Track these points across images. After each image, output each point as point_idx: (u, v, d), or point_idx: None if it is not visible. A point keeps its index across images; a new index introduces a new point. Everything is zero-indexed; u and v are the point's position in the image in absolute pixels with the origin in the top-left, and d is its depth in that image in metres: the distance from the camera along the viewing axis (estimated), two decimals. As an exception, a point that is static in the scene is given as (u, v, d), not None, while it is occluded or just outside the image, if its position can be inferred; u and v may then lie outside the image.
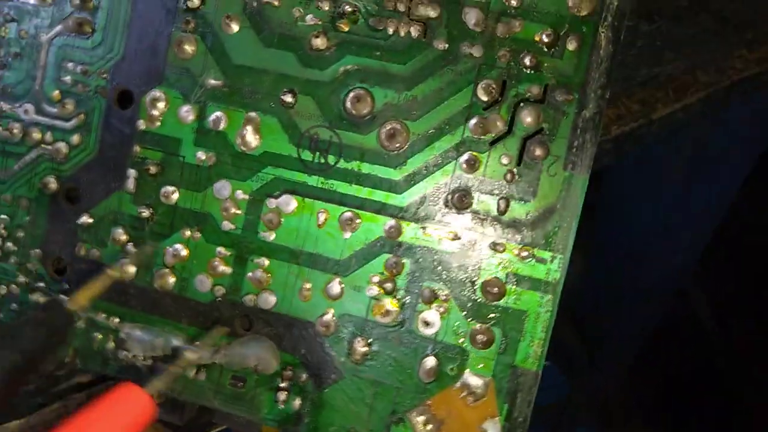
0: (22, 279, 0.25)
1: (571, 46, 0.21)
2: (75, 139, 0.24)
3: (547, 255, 0.21)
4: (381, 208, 0.22)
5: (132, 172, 0.24)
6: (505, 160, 0.21)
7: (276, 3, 0.22)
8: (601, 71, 0.21)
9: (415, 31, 0.21)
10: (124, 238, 0.24)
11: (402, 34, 0.22)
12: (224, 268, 0.23)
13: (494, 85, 0.21)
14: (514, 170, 0.21)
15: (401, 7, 0.21)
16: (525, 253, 0.21)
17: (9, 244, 0.25)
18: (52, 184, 0.24)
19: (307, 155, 0.22)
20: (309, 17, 0.22)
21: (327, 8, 0.22)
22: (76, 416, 0.17)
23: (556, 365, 0.85)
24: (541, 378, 0.21)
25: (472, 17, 0.21)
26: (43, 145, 0.24)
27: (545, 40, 0.21)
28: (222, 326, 0.23)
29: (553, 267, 0.21)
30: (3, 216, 0.25)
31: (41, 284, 0.25)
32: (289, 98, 0.22)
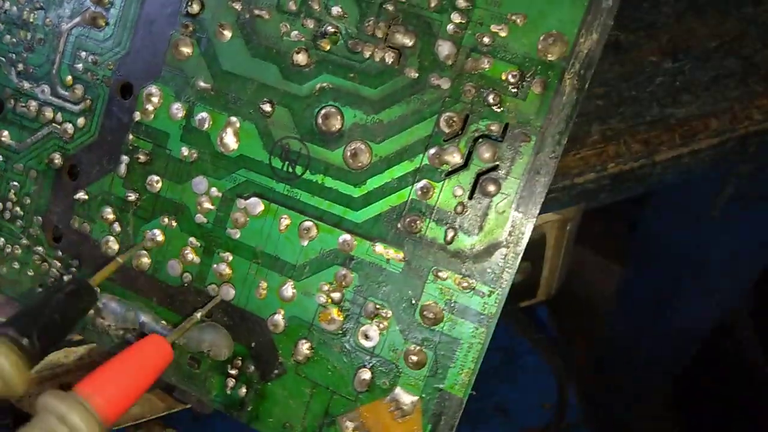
0: (25, 241, 0.28)
1: (536, 89, 0.21)
2: (80, 121, 0.26)
3: (485, 289, 0.22)
4: (338, 222, 0.23)
5: (125, 158, 0.26)
6: (458, 192, 0.22)
7: (266, 16, 0.24)
8: (561, 117, 0.21)
9: (389, 58, 0.22)
10: (111, 217, 0.26)
11: (377, 59, 0.22)
12: (193, 257, 0.25)
13: (456, 118, 0.22)
14: (465, 203, 0.22)
15: (379, 33, 0.22)
16: (465, 284, 0.22)
17: (17, 209, 0.28)
18: (58, 159, 0.27)
19: (277, 163, 0.24)
20: (294, 33, 0.23)
21: (311, 26, 0.23)
22: (114, 359, 0.20)
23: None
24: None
25: (444, 50, 0.22)
26: (53, 124, 0.27)
27: (511, 80, 0.21)
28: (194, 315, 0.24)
29: (490, 301, 0.22)
30: (15, 183, 0.28)
31: (40, 248, 0.27)
32: (267, 107, 0.24)
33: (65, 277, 0.27)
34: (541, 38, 0.21)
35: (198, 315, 0.24)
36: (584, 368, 0.86)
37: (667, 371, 0.85)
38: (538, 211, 0.21)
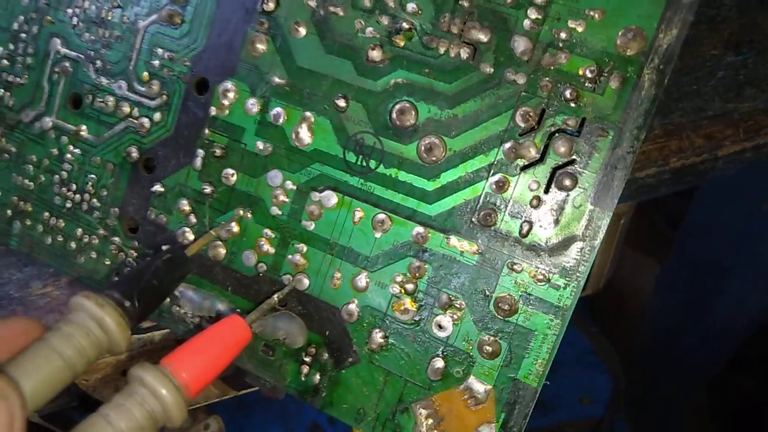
0: (102, 232, 0.29)
1: (614, 84, 0.21)
2: (157, 116, 0.27)
3: (561, 282, 0.22)
4: (411, 215, 0.24)
5: (200, 152, 0.26)
6: (533, 186, 0.22)
7: (340, 13, 0.24)
8: (639, 112, 0.21)
9: (464, 53, 0.23)
10: (187, 208, 0.27)
11: (452, 54, 0.23)
12: (268, 248, 0.26)
13: (532, 113, 0.22)
14: (541, 197, 0.22)
15: (455, 29, 0.23)
16: (540, 277, 0.22)
17: (94, 201, 0.29)
18: (134, 153, 0.28)
19: (351, 157, 0.24)
20: (369, 30, 0.24)
21: (386, 23, 0.23)
22: (197, 336, 0.21)
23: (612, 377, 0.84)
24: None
25: (520, 45, 0.22)
26: (130, 119, 0.28)
27: (588, 75, 0.21)
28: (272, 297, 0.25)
29: (566, 294, 0.22)
30: (92, 175, 0.29)
31: (117, 239, 0.28)
32: (342, 103, 0.24)
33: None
34: (620, 33, 0.21)
35: (276, 297, 0.25)
36: (623, 363, 0.86)
37: (704, 370, 0.84)
38: (614, 205, 0.21)
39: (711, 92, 0.33)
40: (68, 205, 0.29)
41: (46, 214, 0.30)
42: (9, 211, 0.31)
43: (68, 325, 0.19)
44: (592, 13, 0.21)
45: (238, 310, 0.26)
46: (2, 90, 0.30)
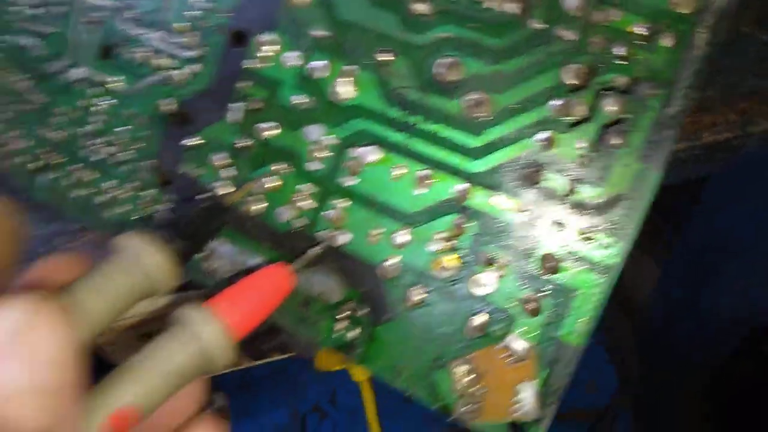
0: (132, 185, 0.28)
1: (666, 42, 0.21)
2: (193, 68, 0.27)
3: (607, 240, 0.22)
4: (455, 171, 0.23)
5: (237, 105, 0.26)
6: (581, 144, 0.22)
7: (388, -34, 0.24)
8: (692, 71, 0.21)
9: (513, 9, 0.22)
10: (223, 162, 0.27)
11: (501, 9, 0.23)
12: (305, 203, 0.25)
13: (582, 71, 0.22)
14: (589, 155, 0.22)
15: (505, -16, 0.22)
16: (586, 235, 0.22)
17: (126, 154, 0.28)
18: (169, 105, 0.27)
19: (394, 112, 0.24)
20: (417, -17, 0.23)
21: (435, -24, 0.23)
22: (242, 281, 0.20)
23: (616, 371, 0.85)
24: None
25: (572, 1, 0.22)
26: (165, 70, 0.27)
27: (640, 32, 0.21)
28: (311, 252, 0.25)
29: (612, 252, 0.22)
30: (123, 128, 0.28)
31: (148, 192, 0.28)
32: (385, 57, 0.24)
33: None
34: (675, -10, 0.21)
35: (314, 251, 0.24)
36: (623, 351, 0.86)
37: (704, 363, 0.85)
38: (664, 165, 0.21)
39: (743, 69, 0.33)
40: (98, 158, 0.29)
41: (74, 166, 0.29)
42: (35, 164, 0.30)
43: (119, 258, 0.19)
44: (647, -31, 0.21)
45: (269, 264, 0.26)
46: (32, 40, 0.30)
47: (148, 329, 0.30)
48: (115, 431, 0.17)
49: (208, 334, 0.19)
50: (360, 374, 0.46)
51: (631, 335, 0.89)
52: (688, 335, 0.85)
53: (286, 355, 0.47)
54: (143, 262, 0.19)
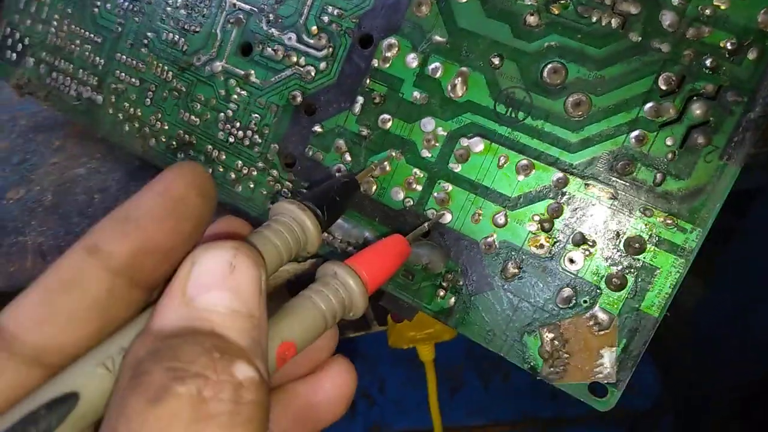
0: (261, 164, 0.33)
1: (752, 56, 0.24)
2: (322, 65, 0.31)
3: (688, 226, 0.25)
4: (554, 162, 0.27)
5: (360, 99, 0.30)
6: (669, 142, 0.25)
7: (503, -17, 0.27)
8: (773, 81, 0.24)
9: (615, 23, 0.26)
10: (344, 148, 0.31)
11: (603, 23, 0.26)
12: (416, 186, 0.29)
13: (674, 78, 0.25)
14: (676, 151, 0.25)
15: (607, 1, 0.26)
16: (670, 221, 0.25)
17: (256, 137, 0.33)
18: (298, 97, 0.32)
19: (501, 108, 0.28)
20: (528, -2, 0.27)
21: (544, -7, 0.27)
22: (372, 246, 0.24)
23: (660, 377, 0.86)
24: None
25: (668, 18, 0.25)
26: (297, 66, 0.32)
27: (729, 47, 0.24)
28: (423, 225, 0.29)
29: (692, 237, 0.25)
30: (256, 115, 0.33)
31: (274, 171, 0.32)
32: (497, 61, 0.28)
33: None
34: (762, 12, 0.24)
35: (426, 225, 0.28)
36: (669, 357, 0.88)
37: (743, 379, 0.85)
38: (743, 163, 0.24)
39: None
40: (231, 140, 0.33)
41: (210, 146, 0.34)
42: (174, 143, 0.35)
43: (277, 223, 0.23)
44: (736, -8, 0.24)
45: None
46: (178, 36, 0.35)
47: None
48: (279, 360, 0.21)
49: (352, 284, 0.22)
50: (426, 354, 0.49)
51: (679, 342, 0.90)
52: (737, 352, 0.86)
53: (358, 333, 0.51)
54: (301, 224, 0.23)
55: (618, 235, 0.26)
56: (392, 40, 0.29)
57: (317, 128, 0.31)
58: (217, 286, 0.17)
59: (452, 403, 0.87)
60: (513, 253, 0.28)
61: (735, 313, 0.84)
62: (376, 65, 0.30)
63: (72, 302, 0.17)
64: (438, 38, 0.29)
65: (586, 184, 0.27)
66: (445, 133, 0.29)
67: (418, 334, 0.46)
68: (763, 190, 0.75)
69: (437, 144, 0.29)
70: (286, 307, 0.21)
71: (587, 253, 0.27)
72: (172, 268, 0.18)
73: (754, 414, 0.83)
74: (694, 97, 0.25)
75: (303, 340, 0.21)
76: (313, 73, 0.31)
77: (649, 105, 0.26)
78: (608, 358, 0.26)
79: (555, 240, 0.27)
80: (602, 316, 0.26)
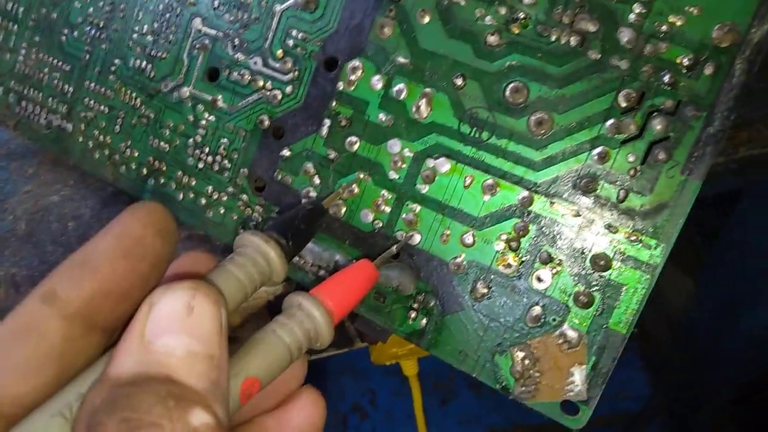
0: (231, 189, 0.33)
1: (708, 71, 0.24)
2: (288, 89, 0.31)
3: (652, 242, 0.25)
4: (519, 181, 0.27)
5: (327, 122, 0.30)
6: (631, 158, 0.25)
7: (462, 3, 0.28)
8: (730, 96, 0.24)
9: (574, 41, 0.26)
10: (312, 171, 0.31)
11: (562, 41, 0.26)
12: (385, 207, 0.29)
13: (634, 95, 0.25)
14: (638, 168, 0.25)
15: (566, 20, 0.26)
16: (634, 238, 0.25)
17: (225, 162, 0.33)
18: (266, 121, 0.32)
19: (465, 129, 0.28)
20: (488, 18, 0.27)
21: (503, 13, 0.27)
22: (337, 275, 0.24)
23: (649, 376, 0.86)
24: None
25: (625, 35, 0.25)
26: (263, 91, 0.32)
27: (686, 63, 0.25)
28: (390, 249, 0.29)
29: (656, 253, 0.25)
30: (224, 140, 0.33)
31: (244, 196, 0.32)
32: (459, 81, 0.28)
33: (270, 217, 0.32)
34: (716, 27, 0.24)
35: (395, 248, 0.28)
36: (659, 359, 0.88)
37: (736, 379, 0.86)
38: (704, 177, 0.25)
39: (780, 90, 0.36)
40: (200, 165, 0.33)
41: (179, 173, 0.34)
42: (145, 170, 0.35)
43: (240, 256, 0.23)
44: (691, 9, 0.24)
45: (354, 260, 0.30)
46: (145, 62, 0.35)
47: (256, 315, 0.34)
48: (243, 397, 0.21)
49: (317, 315, 0.22)
50: (410, 369, 0.49)
51: (669, 344, 0.90)
52: (726, 357, 0.86)
53: (340, 351, 0.50)
54: (265, 256, 0.23)
55: (584, 252, 0.26)
56: (356, 62, 0.30)
57: (285, 152, 0.31)
58: (175, 328, 0.17)
59: (443, 413, 0.87)
60: (482, 272, 0.28)
61: (724, 313, 0.84)
62: (341, 88, 0.30)
63: (27, 351, 0.17)
64: (401, 60, 0.29)
65: (551, 203, 0.27)
66: (412, 155, 0.29)
67: (400, 350, 0.46)
68: (748, 191, 0.76)
69: (404, 165, 0.29)
70: (251, 341, 0.21)
71: (555, 271, 0.27)
72: (132, 309, 0.18)
73: (746, 415, 0.83)
74: (654, 113, 0.25)
75: (268, 375, 0.21)
76: (279, 97, 0.31)
77: (610, 122, 0.26)
78: (579, 375, 0.26)
79: (522, 259, 0.27)
80: (571, 334, 0.26)
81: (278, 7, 0.31)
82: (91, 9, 0.36)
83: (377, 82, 0.29)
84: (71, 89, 0.37)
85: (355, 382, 0.92)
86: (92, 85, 0.36)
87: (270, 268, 0.23)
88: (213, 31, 0.33)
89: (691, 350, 0.89)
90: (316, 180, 0.31)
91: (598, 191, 0.26)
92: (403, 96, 0.29)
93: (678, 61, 0.25)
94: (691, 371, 0.87)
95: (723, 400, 0.86)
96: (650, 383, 0.85)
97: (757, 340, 0.80)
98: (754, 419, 0.82)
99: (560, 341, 0.27)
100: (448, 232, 0.28)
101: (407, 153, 0.29)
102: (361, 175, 0.30)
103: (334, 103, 0.30)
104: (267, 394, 0.24)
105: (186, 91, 0.34)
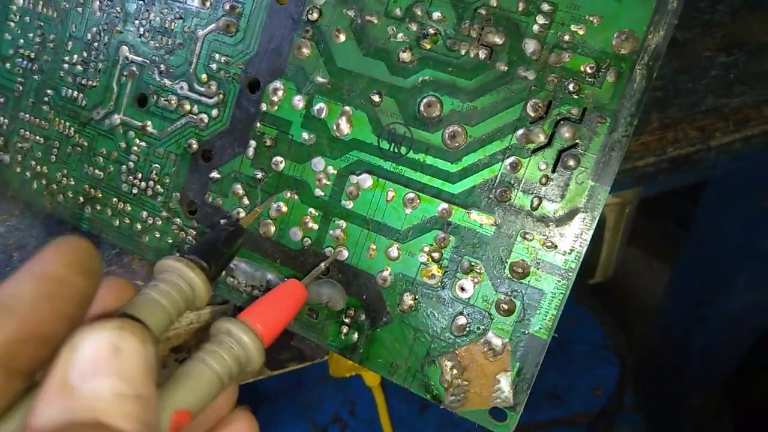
0: (165, 214, 0.33)
1: (610, 78, 0.25)
2: (214, 112, 0.31)
3: (567, 247, 0.26)
4: (437, 193, 0.27)
5: (253, 143, 0.31)
6: (542, 166, 0.26)
7: (375, 21, 0.28)
8: (632, 101, 0.25)
9: (482, 54, 0.27)
10: (241, 192, 0.31)
11: (471, 55, 0.27)
12: (312, 225, 0.30)
13: (541, 104, 0.26)
14: (549, 175, 0.26)
15: (474, 34, 0.27)
16: (549, 244, 0.26)
17: (158, 187, 0.33)
18: (194, 145, 0.32)
19: (384, 144, 0.28)
20: (400, 35, 0.28)
21: (415, 29, 0.27)
22: (265, 296, 0.24)
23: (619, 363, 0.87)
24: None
25: (530, 47, 0.26)
26: (190, 115, 0.32)
27: (588, 71, 0.25)
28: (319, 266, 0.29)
29: (571, 258, 0.26)
30: (156, 165, 0.33)
31: (178, 220, 0.33)
32: (376, 98, 0.28)
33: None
34: (615, 36, 0.25)
35: (323, 265, 0.28)
36: (635, 357, 0.88)
37: (716, 369, 0.86)
38: (612, 182, 0.25)
39: (704, 89, 0.37)
40: (134, 191, 0.33)
41: (115, 199, 0.34)
42: (81, 198, 0.35)
43: (163, 282, 0.22)
44: (591, 18, 0.25)
45: (286, 278, 0.30)
46: (76, 92, 0.35)
47: (179, 342, 0.34)
48: (173, 430, 0.20)
49: (246, 340, 0.22)
50: (372, 379, 0.49)
51: (643, 337, 0.91)
52: (703, 347, 0.87)
53: (302, 365, 0.51)
54: (187, 280, 0.23)
55: (502, 261, 0.27)
56: (278, 83, 0.30)
57: (215, 174, 0.32)
58: (102, 370, 0.16)
59: (423, 420, 0.87)
60: (408, 285, 0.28)
61: (698, 304, 0.85)
62: (264, 109, 0.30)
63: None
64: (320, 79, 0.29)
65: (468, 213, 0.27)
66: (335, 172, 0.29)
67: (357, 362, 0.46)
68: (711, 181, 0.76)
69: (328, 182, 0.29)
70: (179, 373, 0.21)
71: (476, 280, 0.27)
72: (54, 350, 0.17)
73: (726, 407, 0.84)
74: (562, 121, 0.26)
75: (198, 405, 0.21)
76: (206, 120, 0.32)
77: (520, 132, 0.26)
78: (505, 382, 0.27)
79: (445, 270, 0.27)
80: (495, 341, 0.27)
81: (201, 32, 0.32)
82: (21, 40, 0.36)
83: (299, 102, 0.30)
84: (6, 121, 0.37)
85: (334, 393, 0.92)
86: (27, 116, 0.37)
87: (194, 292, 0.23)
88: (140, 58, 0.33)
89: (665, 344, 0.90)
90: (246, 201, 0.31)
91: (512, 200, 0.26)
92: (323, 115, 0.29)
93: (581, 69, 0.25)
94: (666, 367, 0.88)
95: (703, 395, 0.87)
96: (624, 379, 0.85)
97: (737, 328, 0.80)
98: (732, 412, 0.83)
99: (485, 349, 0.27)
100: (374, 247, 0.29)
101: (331, 170, 0.29)
102: (288, 194, 0.30)
103: (258, 124, 0.30)
104: (199, 421, 0.24)
105: (117, 118, 0.34)
